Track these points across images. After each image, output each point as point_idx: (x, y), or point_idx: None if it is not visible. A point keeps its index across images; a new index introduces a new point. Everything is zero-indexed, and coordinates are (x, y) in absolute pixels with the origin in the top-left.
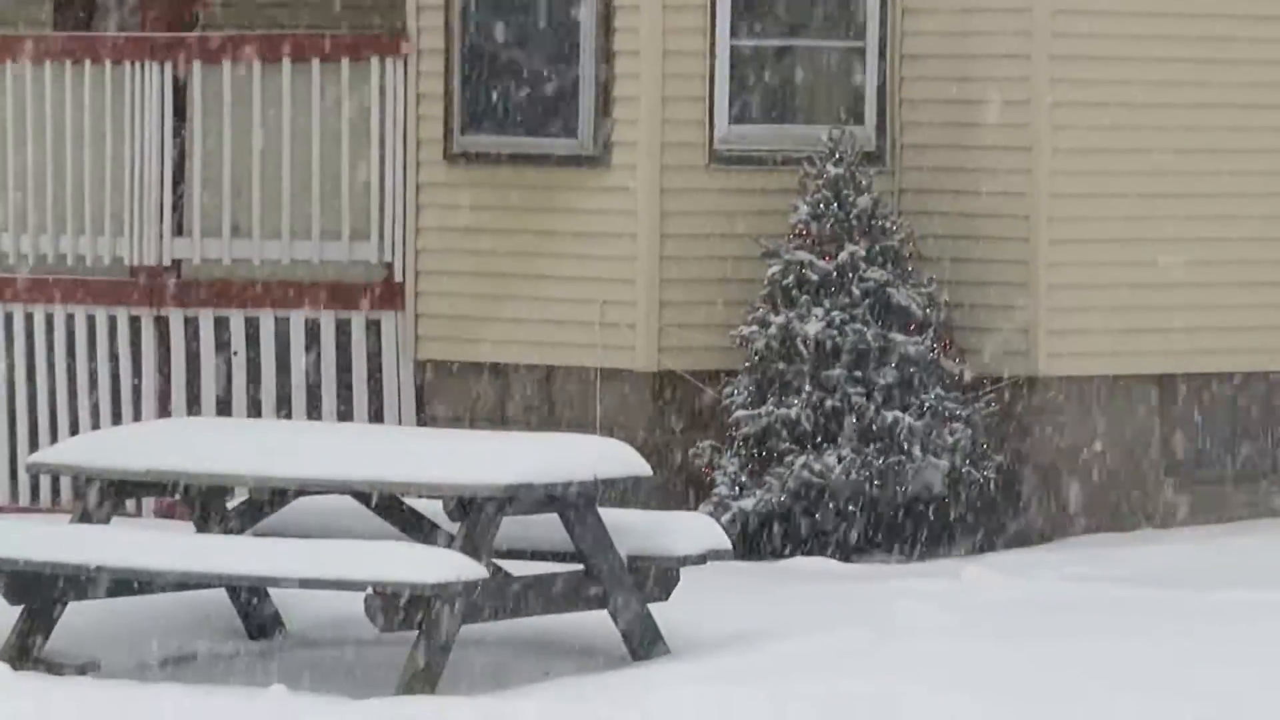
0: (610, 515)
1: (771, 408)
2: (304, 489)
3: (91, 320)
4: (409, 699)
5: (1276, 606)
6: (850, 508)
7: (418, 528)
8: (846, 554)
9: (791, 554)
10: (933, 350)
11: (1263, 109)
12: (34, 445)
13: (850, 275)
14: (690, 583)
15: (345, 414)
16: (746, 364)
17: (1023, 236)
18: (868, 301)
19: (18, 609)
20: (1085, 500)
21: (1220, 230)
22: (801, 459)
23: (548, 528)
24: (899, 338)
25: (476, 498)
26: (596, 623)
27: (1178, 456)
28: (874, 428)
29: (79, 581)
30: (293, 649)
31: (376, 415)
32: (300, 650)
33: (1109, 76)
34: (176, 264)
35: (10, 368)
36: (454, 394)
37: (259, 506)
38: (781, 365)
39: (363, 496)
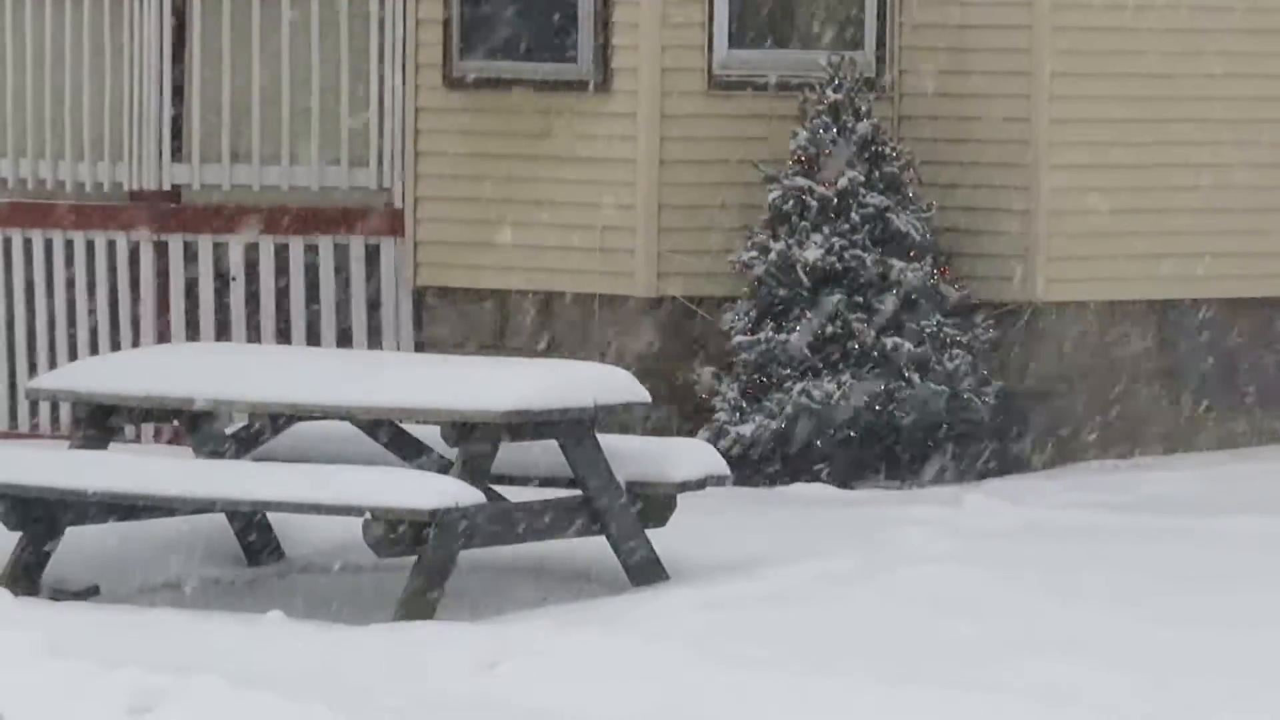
0: (609, 441)
1: (771, 334)
2: (302, 414)
3: (90, 246)
4: (407, 624)
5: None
6: (849, 433)
7: (416, 453)
8: (845, 480)
9: (791, 480)
10: (932, 276)
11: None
12: (33, 371)
13: (850, 201)
14: (689, 509)
15: (344, 340)
16: (746, 290)
17: (1023, 162)
18: (867, 228)
19: (17, 535)
20: (1085, 427)
21: (1223, 156)
22: (800, 385)
23: (546, 454)
24: (898, 264)
25: (475, 423)
26: (595, 548)
27: (1177, 382)
28: (873, 354)
29: (78, 507)
30: (291, 575)
31: (375, 341)
32: (299, 576)
33: (1113, 1)
34: (176, 189)
35: (9, 293)
36: (453, 320)
37: (257, 432)
38: (781, 291)
39: (361, 422)
